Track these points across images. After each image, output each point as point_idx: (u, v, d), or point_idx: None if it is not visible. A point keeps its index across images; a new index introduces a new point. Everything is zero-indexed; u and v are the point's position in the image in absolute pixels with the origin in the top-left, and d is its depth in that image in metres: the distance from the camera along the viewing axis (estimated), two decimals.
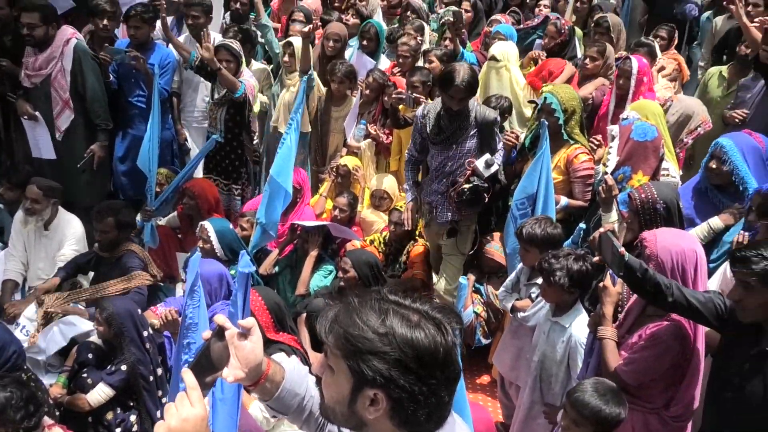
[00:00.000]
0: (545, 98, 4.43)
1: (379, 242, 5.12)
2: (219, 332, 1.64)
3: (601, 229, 2.91)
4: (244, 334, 1.64)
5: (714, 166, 3.97)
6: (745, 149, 3.99)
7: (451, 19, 6.04)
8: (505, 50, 5.82)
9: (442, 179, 4.51)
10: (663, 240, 2.90)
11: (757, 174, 3.82)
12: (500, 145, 4.57)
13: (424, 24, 6.65)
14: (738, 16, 4.96)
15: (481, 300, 4.54)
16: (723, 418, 2.74)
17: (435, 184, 4.57)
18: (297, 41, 5.74)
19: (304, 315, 4.34)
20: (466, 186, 4.29)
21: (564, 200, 4.35)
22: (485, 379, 4.81)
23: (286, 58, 5.76)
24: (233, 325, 1.65)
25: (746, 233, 3.55)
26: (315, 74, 5.79)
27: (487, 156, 4.28)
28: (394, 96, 5.15)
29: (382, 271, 4.52)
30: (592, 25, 6.61)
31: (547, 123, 4.12)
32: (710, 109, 5.51)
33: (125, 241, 4.68)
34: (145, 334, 3.84)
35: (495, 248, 4.61)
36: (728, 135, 4.25)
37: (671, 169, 4.29)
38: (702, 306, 2.71)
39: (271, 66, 6.52)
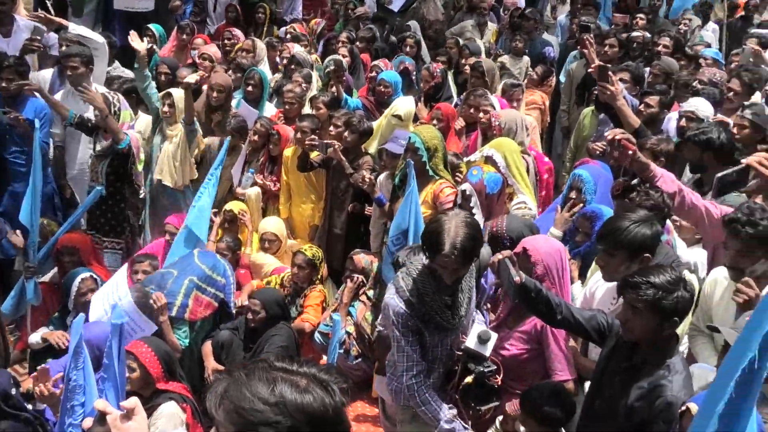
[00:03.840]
0: (410, 138, 4.72)
1: (276, 284, 5.23)
2: (101, 417, 1.61)
3: (500, 255, 3.10)
4: (127, 415, 1.62)
5: (573, 196, 4.33)
6: (600, 180, 4.39)
7: (333, 67, 6.32)
8: (410, 110, 6.01)
9: (440, 369, 3.32)
10: (542, 245, 3.36)
11: (602, 201, 4.20)
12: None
13: (311, 72, 6.89)
14: (591, 60, 5.39)
15: (353, 321, 4.74)
16: (593, 428, 2.95)
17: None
18: (176, 92, 5.83)
19: (209, 342, 4.53)
20: (469, 379, 3.20)
21: None
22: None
23: (165, 109, 5.82)
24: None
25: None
26: (198, 125, 5.89)
27: (479, 328, 3.22)
28: (307, 142, 5.37)
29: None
30: (468, 69, 7.00)
31: (413, 162, 4.36)
32: (585, 145, 5.93)
33: None
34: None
35: (362, 256, 4.79)
36: (584, 166, 4.64)
37: (528, 201, 4.63)
38: (586, 323, 3.00)
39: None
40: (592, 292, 3.57)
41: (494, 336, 3.22)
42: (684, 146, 4.61)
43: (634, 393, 2.72)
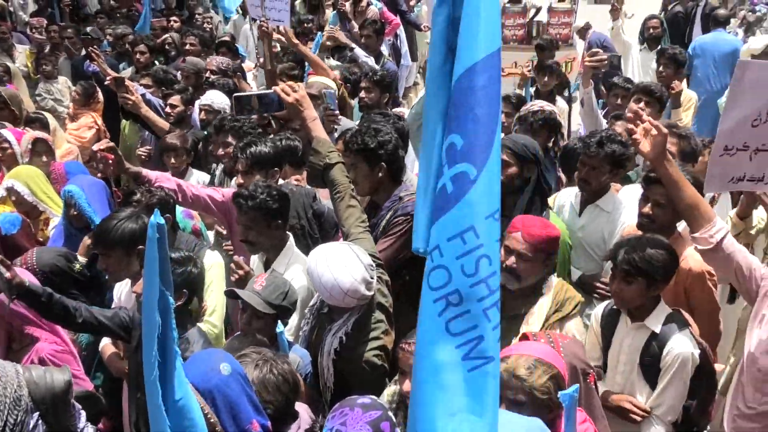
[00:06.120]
0: None
1: None
2: None
3: None
4: None
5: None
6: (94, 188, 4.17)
7: None
8: None
9: None
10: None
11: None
12: None
13: None
14: (103, 71, 5.65)
15: None
16: (145, 419, 3.07)
17: None
18: None
19: None
20: None
21: None
22: None
23: None
24: None
25: None
26: None
27: None
28: None
29: None
30: None
31: None
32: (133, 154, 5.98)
33: None
34: None
35: None
36: (73, 180, 4.24)
37: None
38: (110, 321, 3.06)
39: None
40: None
41: None
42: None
43: None
